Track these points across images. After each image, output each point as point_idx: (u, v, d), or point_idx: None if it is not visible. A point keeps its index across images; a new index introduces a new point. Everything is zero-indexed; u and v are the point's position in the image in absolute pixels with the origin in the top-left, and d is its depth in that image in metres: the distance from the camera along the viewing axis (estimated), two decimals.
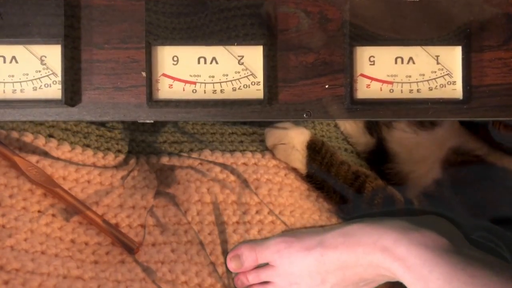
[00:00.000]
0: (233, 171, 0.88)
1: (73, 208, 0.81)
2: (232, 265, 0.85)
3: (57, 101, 0.73)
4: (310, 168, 0.89)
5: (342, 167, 0.89)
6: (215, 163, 0.89)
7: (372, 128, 0.97)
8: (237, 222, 0.86)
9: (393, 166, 0.94)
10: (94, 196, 0.84)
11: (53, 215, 0.80)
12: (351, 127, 0.98)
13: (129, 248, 0.81)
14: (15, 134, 0.83)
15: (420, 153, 0.92)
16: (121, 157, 0.88)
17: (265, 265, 0.86)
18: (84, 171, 0.85)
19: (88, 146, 0.87)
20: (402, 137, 0.94)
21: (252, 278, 0.86)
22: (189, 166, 0.89)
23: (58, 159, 0.84)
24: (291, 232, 0.88)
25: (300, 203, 0.89)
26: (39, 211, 0.80)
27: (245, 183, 0.87)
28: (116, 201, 0.85)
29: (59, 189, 0.81)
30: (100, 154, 0.87)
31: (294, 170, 0.90)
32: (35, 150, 0.83)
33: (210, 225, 0.85)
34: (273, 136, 0.90)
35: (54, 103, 0.73)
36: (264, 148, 0.91)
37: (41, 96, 0.74)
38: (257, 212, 0.87)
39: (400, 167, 0.93)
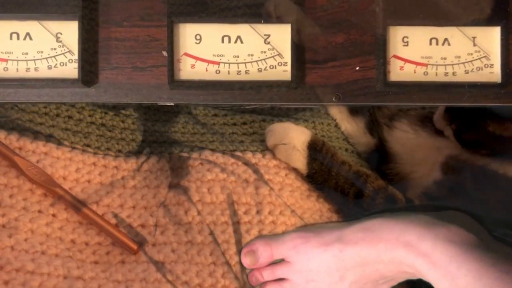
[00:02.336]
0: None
1: (73, 208, 0.81)
2: (246, 261, 0.83)
3: (73, 81, 0.70)
4: (311, 168, 0.88)
5: (343, 167, 0.88)
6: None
7: (373, 128, 0.97)
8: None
9: (394, 166, 0.93)
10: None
11: (53, 215, 0.80)
12: (352, 128, 0.98)
13: (130, 248, 0.81)
14: (15, 134, 0.83)
15: (420, 154, 0.91)
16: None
17: (281, 261, 0.84)
18: (85, 171, 0.85)
19: (88, 146, 0.87)
20: (403, 137, 0.93)
21: (267, 275, 0.83)
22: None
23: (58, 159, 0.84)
24: (308, 227, 0.86)
25: (301, 203, 0.88)
26: (39, 211, 0.80)
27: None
28: (118, 200, 0.85)
29: (59, 189, 0.81)
30: (101, 154, 0.87)
31: (295, 170, 0.89)
32: (35, 150, 0.83)
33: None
34: (273, 136, 0.89)
35: (70, 83, 0.70)
36: (265, 148, 0.90)
37: (56, 75, 0.71)
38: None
39: (401, 168, 0.93)
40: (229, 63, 0.71)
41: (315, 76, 0.72)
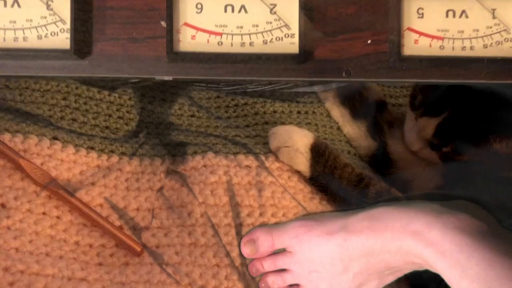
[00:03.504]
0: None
1: (77, 211, 0.82)
2: (246, 251, 0.81)
3: (65, 51, 0.65)
4: (313, 171, 0.88)
5: (346, 169, 0.88)
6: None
7: (374, 132, 0.98)
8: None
9: (396, 170, 0.94)
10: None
11: (58, 217, 0.81)
12: (354, 131, 0.98)
13: (134, 250, 0.81)
14: (20, 137, 0.84)
15: (420, 160, 0.91)
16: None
17: (282, 251, 0.81)
18: (89, 173, 0.85)
19: (92, 148, 0.87)
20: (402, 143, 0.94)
21: (268, 265, 0.81)
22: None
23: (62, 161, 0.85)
24: (311, 216, 0.84)
25: (304, 206, 0.88)
26: (43, 213, 0.81)
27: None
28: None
29: (63, 191, 0.82)
30: (105, 157, 0.87)
31: (298, 172, 0.90)
32: (40, 153, 0.84)
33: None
34: (276, 138, 0.90)
35: (61, 54, 0.65)
36: (268, 151, 0.90)
37: (47, 46, 0.66)
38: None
39: (403, 171, 0.94)
40: (232, 34, 0.66)
41: (324, 49, 0.67)
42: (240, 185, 0.86)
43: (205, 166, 0.87)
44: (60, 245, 0.80)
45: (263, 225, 0.82)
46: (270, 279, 0.82)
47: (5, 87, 0.89)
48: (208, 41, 0.67)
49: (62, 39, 0.66)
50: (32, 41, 0.66)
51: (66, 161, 0.85)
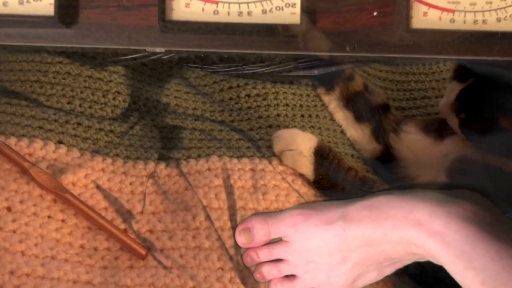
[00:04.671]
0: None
1: (82, 214, 0.82)
2: (241, 239, 0.79)
3: (49, 18, 0.62)
4: (317, 174, 0.89)
5: (349, 173, 0.89)
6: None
7: (378, 134, 0.98)
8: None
9: (400, 171, 0.94)
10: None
11: (63, 221, 0.82)
12: (358, 134, 0.99)
13: (138, 253, 0.81)
14: (25, 141, 0.85)
15: (426, 158, 0.92)
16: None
17: (279, 240, 0.79)
18: (93, 177, 0.86)
19: (97, 152, 0.88)
20: (409, 142, 0.94)
21: (264, 255, 0.79)
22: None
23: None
24: (309, 204, 0.81)
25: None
26: (49, 217, 0.81)
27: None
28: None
29: (68, 195, 0.82)
30: (109, 160, 0.88)
31: (301, 176, 0.90)
32: (45, 156, 0.85)
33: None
34: (280, 142, 0.90)
35: (45, 21, 0.62)
36: (272, 154, 0.90)
37: (29, 12, 0.63)
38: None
39: (407, 172, 0.93)
40: (229, 3, 0.64)
41: (327, 21, 0.65)
42: (244, 188, 0.86)
43: (209, 169, 0.87)
44: (65, 248, 0.80)
45: (259, 213, 0.81)
46: (266, 269, 0.80)
47: (11, 91, 0.90)
48: (203, 10, 0.65)
49: (46, 5, 0.63)
50: (13, 6, 0.64)
51: (71, 164, 0.86)
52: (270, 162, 0.89)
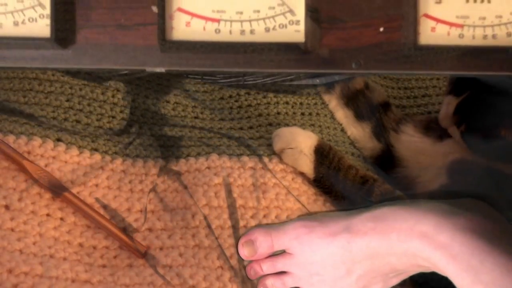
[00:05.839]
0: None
1: (81, 212, 0.82)
2: (244, 252, 0.79)
3: (45, 40, 0.59)
4: (317, 173, 0.89)
5: (350, 171, 0.89)
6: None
7: (379, 133, 0.98)
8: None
9: (400, 171, 0.94)
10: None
11: (61, 219, 0.82)
12: (358, 132, 0.99)
13: (137, 252, 0.81)
14: (24, 138, 0.85)
15: (426, 158, 0.92)
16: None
17: (282, 252, 0.79)
18: (92, 175, 0.86)
19: (96, 150, 0.88)
20: (409, 141, 0.95)
21: (267, 267, 0.79)
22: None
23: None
24: (312, 216, 0.81)
25: (308, 208, 0.88)
26: (47, 215, 0.81)
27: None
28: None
29: (67, 193, 0.82)
30: (108, 158, 0.88)
31: (302, 174, 0.90)
32: (44, 154, 0.85)
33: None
34: (280, 140, 0.90)
35: (40, 42, 0.59)
36: (272, 153, 0.90)
37: (24, 33, 0.60)
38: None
39: (407, 172, 0.94)
40: (231, 21, 0.60)
41: (332, 38, 0.62)
42: (244, 187, 0.86)
43: (208, 168, 0.88)
44: (64, 247, 0.80)
45: (262, 225, 0.80)
46: (269, 282, 0.80)
47: (9, 89, 0.90)
48: (204, 29, 0.60)
49: (42, 26, 0.59)
50: (8, 28, 0.60)
51: (70, 163, 0.86)
52: (270, 161, 0.88)
